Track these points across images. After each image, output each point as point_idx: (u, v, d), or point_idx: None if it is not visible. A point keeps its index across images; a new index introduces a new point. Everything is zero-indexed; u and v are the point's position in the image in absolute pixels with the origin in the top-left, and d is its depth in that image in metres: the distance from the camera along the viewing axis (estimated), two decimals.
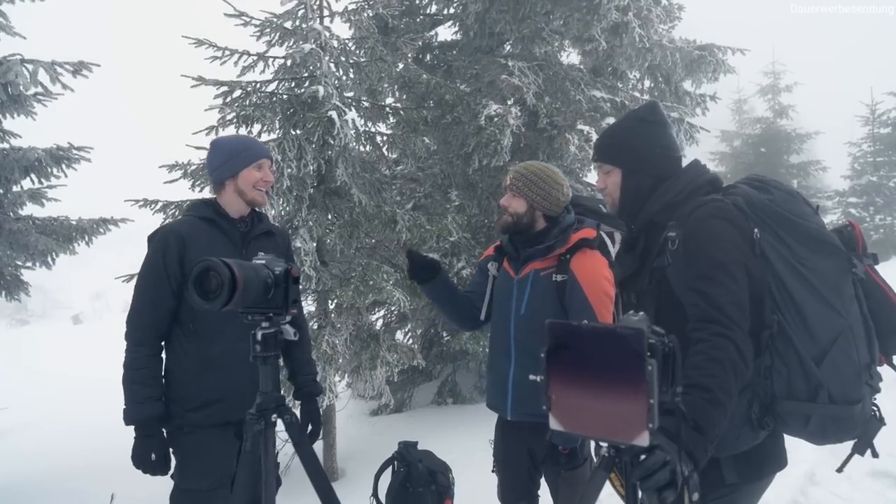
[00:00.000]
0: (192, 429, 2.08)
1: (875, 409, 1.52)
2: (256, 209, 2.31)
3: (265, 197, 2.28)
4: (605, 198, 1.82)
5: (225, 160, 2.21)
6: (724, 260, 1.44)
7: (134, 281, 2.23)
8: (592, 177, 6.36)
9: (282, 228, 2.57)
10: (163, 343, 2.12)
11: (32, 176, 5.54)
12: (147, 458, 1.97)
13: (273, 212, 4.14)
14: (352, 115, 4.37)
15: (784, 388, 1.45)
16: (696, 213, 1.53)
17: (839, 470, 1.59)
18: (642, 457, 1.12)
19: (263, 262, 1.65)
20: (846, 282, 1.51)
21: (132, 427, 2.01)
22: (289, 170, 4.16)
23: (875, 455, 1.52)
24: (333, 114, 4.15)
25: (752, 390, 1.47)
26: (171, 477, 2.11)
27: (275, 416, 1.71)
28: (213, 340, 2.09)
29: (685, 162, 1.77)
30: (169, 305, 2.09)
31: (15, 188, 5.62)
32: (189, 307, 2.07)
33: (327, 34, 4.52)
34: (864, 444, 1.51)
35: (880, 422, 1.51)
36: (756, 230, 1.49)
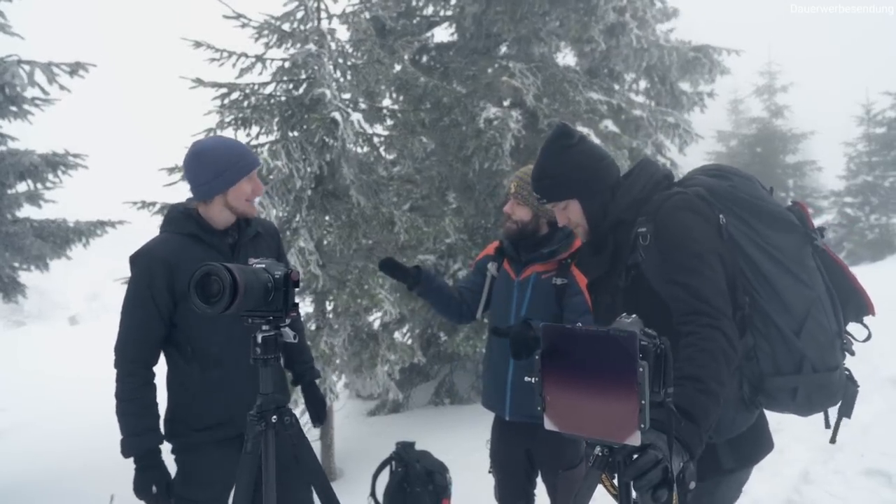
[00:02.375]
0: (198, 445, 2.06)
1: (847, 371, 1.60)
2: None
3: (255, 209, 2.14)
4: (574, 228, 1.81)
5: (215, 175, 1.99)
6: (699, 250, 1.48)
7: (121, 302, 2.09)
8: None
9: (270, 225, 2.41)
10: (154, 370, 2.07)
11: (28, 181, 5.54)
12: (148, 491, 1.94)
13: (274, 213, 4.16)
14: (356, 115, 4.39)
15: (770, 366, 1.51)
16: (664, 206, 1.57)
17: (832, 440, 1.64)
18: (635, 456, 1.15)
19: (263, 266, 1.67)
20: (807, 255, 1.58)
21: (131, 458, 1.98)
22: (296, 172, 4.17)
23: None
24: (336, 114, 4.17)
25: (741, 372, 1.53)
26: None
27: (275, 417, 1.72)
28: (214, 362, 2.04)
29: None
30: (159, 334, 2.02)
31: (10, 191, 5.63)
32: (184, 331, 2.03)
33: (328, 36, 4.55)
34: (847, 407, 1.59)
35: (855, 383, 1.60)
36: (721, 216, 1.54)
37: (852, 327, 1.67)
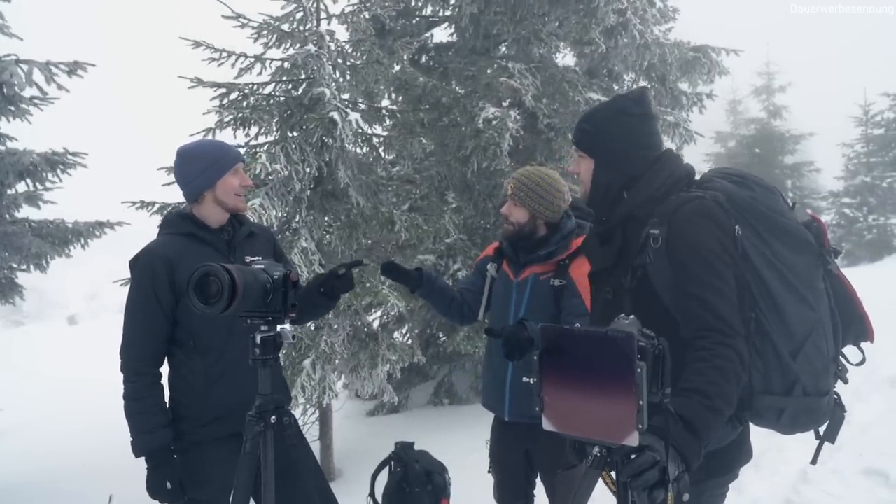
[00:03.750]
0: (200, 443, 2.07)
1: (836, 395, 1.58)
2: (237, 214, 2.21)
3: (245, 203, 2.19)
4: (579, 183, 1.78)
5: (201, 171, 2.08)
6: (715, 263, 1.44)
7: (125, 304, 2.11)
8: None
9: (264, 227, 2.46)
10: (160, 369, 2.09)
11: (28, 180, 5.52)
12: (163, 488, 1.95)
13: (274, 213, 4.15)
14: (355, 115, 4.38)
15: (761, 384, 1.46)
16: (681, 211, 1.51)
17: (813, 462, 1.62)
18: (633, 456, 1.15)
19: (262, 266, 1.67)
20: (818, 277, 1.55)
21: (143, 457, 1.99)
22: (295, 174, 4.17)
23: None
24: (335, 114, 4.17)
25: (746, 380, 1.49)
26: None
27: (273, 417, 1.72)
28: (216, 355, 2.06)
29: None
30: (164, 332, 2.05)
31: (10, 192, 5.61)
32: (185, 327, 2.05)
33: (327, 37, 4.55)
34: (833, 432, 1.57)
35: (842, 408, 1.58)
36: (737, 227, 1.49)
37: (847, 349, 1.64)
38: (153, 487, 1.95)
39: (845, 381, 1.59)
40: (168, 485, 1.94)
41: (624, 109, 1.65)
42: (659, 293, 1.52)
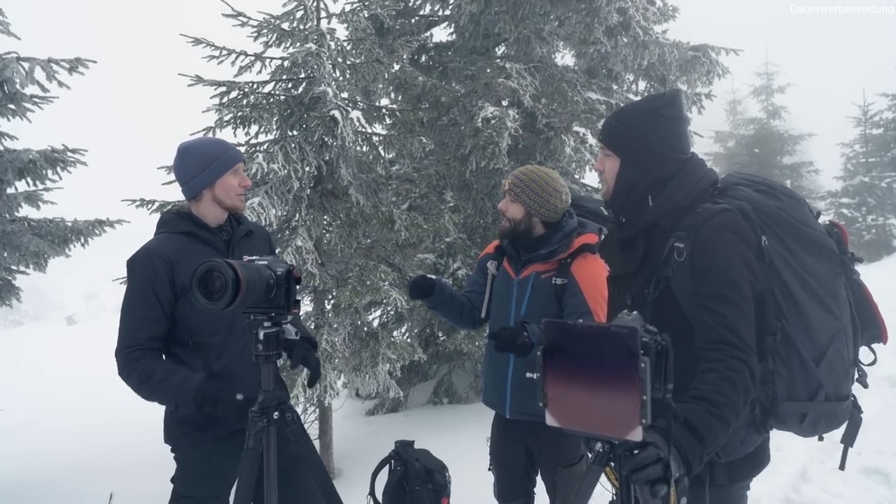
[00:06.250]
0: (202, 442, 2.05)
1: (853, 398, 1.60)
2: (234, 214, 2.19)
3: (244, 203, 2.18)
4: (602, 180, 1.75)
5: (200, 169, 2.06)
6: (737, 279, 1.44)
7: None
8: (589, 178, 6.40)
9: (260, 226, 2.46)
10: (162, 355, 2.06)
11: (28, 179, 5.51)
12: (233, 398, 1.90)
13: (274, 212, 4.15)
14: (356, 113, 4.38)
15: (785, 391, 1.49)
16: (707, 224, 1.49)
17: (841, 467, 1.64)
18: (636, 451, 1.15)
19: (266, 262, 1.67)
20: (840, 285, 1.56)
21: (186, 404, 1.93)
22: (294, 174, 4.17)
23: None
24: (336, 113, 4.17)
25: (755, 395, 1.50)
26: (171, 481, 2.11)
27: (276, 413, 1.72)
28: (216, 354, 2.04)
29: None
30: (162, 330, 2.01)
31: (10, 190, 5.59)
32: (184, 325, 2.03)
33: (328, 36, 4.55)
34: (851, 436, 1.59)
35: (859, 410, 1.60)
36: (764, 238, 1.50)
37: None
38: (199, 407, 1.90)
39: (865, 386, 1.61)
40: (239, 396, 1.89)
41: (656, 110, 1.62)
42: (681, 305, 1.53)
